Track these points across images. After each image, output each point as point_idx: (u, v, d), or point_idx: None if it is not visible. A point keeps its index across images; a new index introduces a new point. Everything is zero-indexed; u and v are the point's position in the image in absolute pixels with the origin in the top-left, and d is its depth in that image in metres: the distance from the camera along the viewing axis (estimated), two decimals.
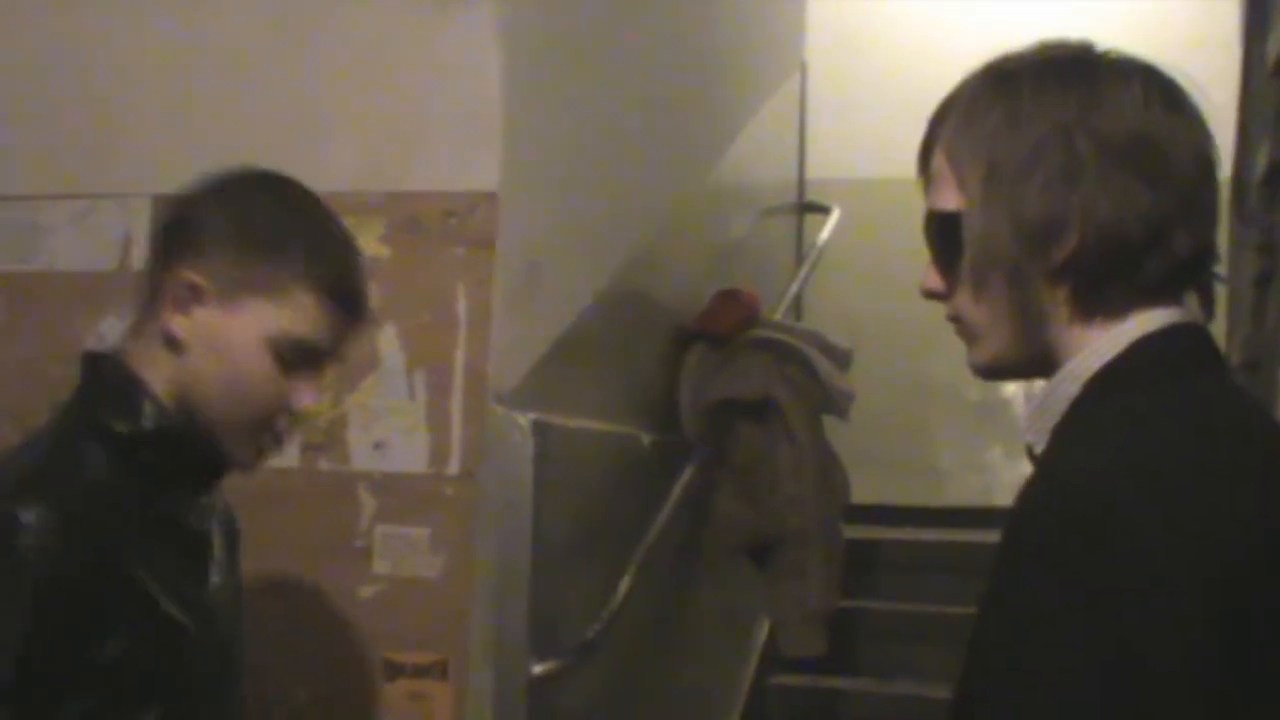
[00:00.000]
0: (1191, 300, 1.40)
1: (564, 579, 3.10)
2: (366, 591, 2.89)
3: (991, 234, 1.37)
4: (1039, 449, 1.38)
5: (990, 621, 1.29)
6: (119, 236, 3.17)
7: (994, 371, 1.45)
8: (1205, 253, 1.38)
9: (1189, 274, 1.38)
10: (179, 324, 1.81)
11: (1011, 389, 6.16)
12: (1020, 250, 1.35)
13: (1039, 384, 1.44)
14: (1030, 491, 1.31)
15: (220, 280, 1.80)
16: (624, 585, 3.27)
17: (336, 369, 1.92)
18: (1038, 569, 1.24)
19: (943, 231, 1.43)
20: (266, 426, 1.83)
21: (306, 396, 1.82)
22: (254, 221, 1.85)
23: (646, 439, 3.65)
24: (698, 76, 4.39)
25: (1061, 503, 1.25)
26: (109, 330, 3.13)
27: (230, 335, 1.79)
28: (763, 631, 5.01)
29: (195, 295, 1.80)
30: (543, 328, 3.10)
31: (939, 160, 1.44)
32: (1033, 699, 1.21)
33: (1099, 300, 1.35)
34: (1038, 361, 1.41)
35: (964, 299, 1.42)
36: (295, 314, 1.79)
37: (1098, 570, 1.20)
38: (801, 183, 6.22)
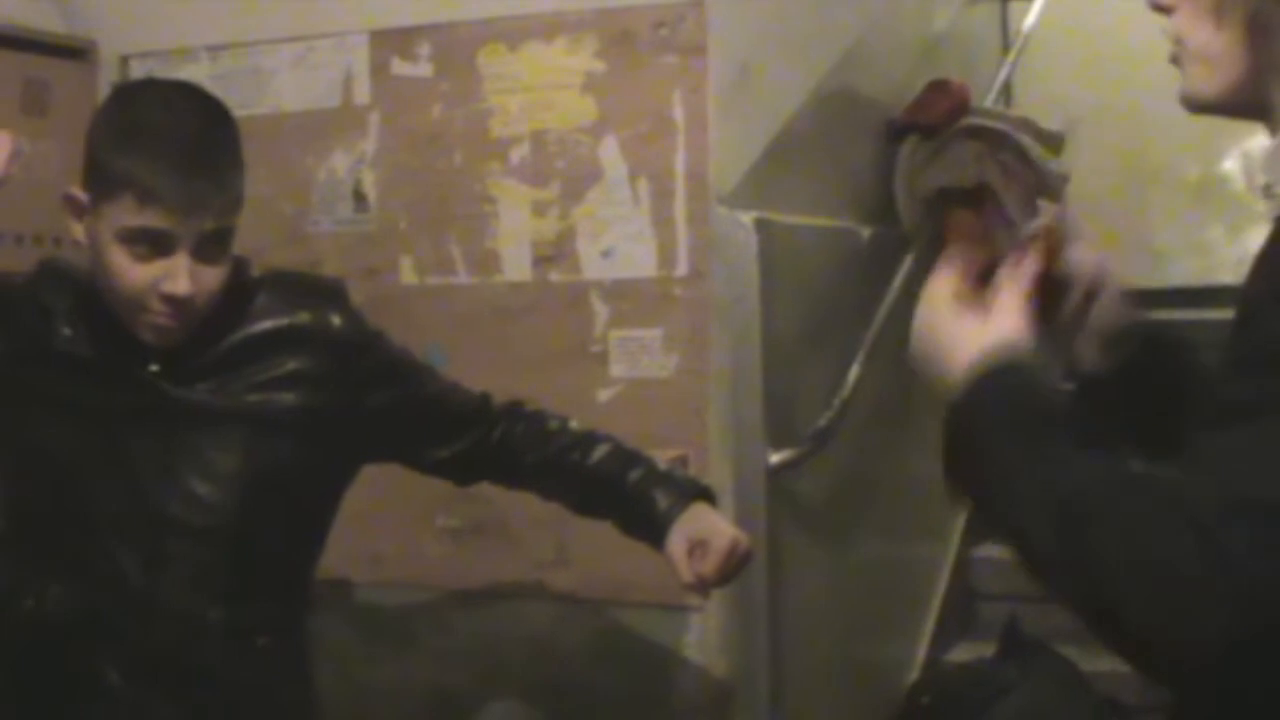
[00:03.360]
0: None
1: (794, 371, 3.17)
2: (605, 394, 3.02)
3: None
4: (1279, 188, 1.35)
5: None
6: (339, 74, 3.29)
7: (1208, 105, 1.41)
8: None
9: None
10: (77, 231, 2.10)
11: (1230, 165, 6.03)
12: None
13: (1259, 151, 1.41)
14: None
15: (88, 190, 2.06)
16: (853, 374, 3.31)
17: (211, 250, 2.06)
18: None
19: None
20: (144, 309, 2.05)
21: (167, 283, 2.02)
22: (97, 135, 2.09)
23: (865, 232, 3.68)
24: None
25: None
26: (338, 164, 3.27)
27: (97, 235, 2.05)
28: None
29: (78, 206, 2.08)
30: (758, 129, 3.14)
31: None
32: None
33: None
34: (1257, 106, 1.38)
35: (1200, 24, 1.38)
36: (124, 210, 2.00)
37: None
38: None
